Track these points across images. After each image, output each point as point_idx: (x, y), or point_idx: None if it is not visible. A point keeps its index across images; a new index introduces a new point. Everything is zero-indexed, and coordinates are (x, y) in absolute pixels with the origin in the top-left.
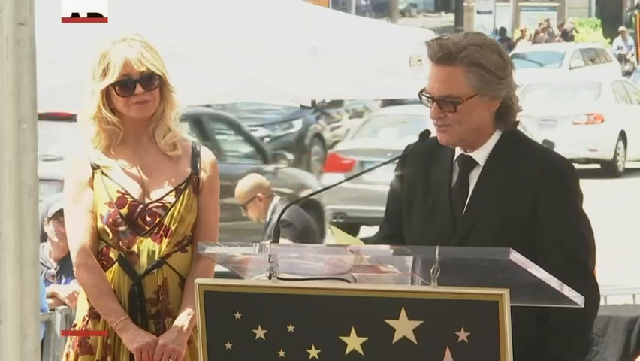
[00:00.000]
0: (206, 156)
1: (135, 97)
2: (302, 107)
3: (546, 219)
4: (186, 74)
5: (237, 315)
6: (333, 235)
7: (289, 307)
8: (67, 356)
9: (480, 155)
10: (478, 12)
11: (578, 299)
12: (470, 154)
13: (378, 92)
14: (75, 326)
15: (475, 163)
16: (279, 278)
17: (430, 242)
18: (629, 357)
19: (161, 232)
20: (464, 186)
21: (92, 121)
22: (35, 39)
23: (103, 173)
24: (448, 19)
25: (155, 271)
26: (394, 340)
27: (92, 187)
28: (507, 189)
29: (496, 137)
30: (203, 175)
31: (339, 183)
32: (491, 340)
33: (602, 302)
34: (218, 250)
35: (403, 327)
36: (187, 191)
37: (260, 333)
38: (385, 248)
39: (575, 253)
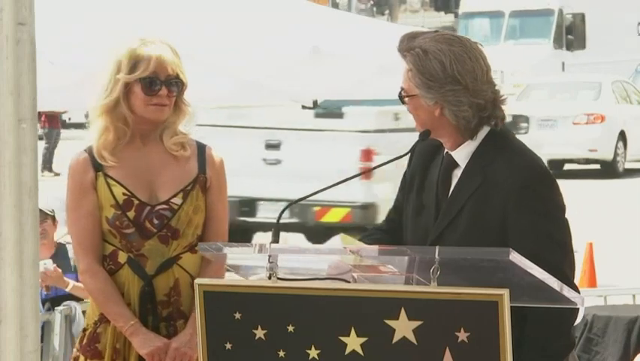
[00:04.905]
0: (213, 154)
1: (157, 98)
2: (303, 107)
3: (515, 227)
4: (186, 74)
5: (237, 315)
6: (342, 241)
7: (289, 308)
8: (76, 359)
9: (460, 155)
10: None
11: (578, 300)
12: (451, 153)
13: (379, 92)
14: (86, 329)
15: (456, 163)
16: (278, 278)
17: (415, 239)
18: (629, 357)
19: (169, 233)
20: (445, 187)
21: (103, 116)
22: (35, 39)
23: (107, 174)
24: (448, 19)
25: (166, 272)
26: (394, 340)
27: (96, 190)
28: (481, 193)
29: (480, 137)
30: (210, 175)
31: (339, 182)
32: (491, 340)
33: (601, 302)
34: (218, 250)
35: (403, 327)
36: (194, 192)
37: (260, 333)
38: (384, 249)
39: (547, 261)
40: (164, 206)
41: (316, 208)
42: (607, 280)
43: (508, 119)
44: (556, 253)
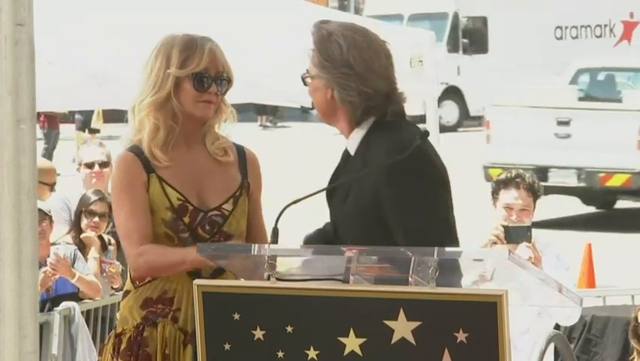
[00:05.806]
0: (252, 157)
1: (206, 95)
2: (302, 108)
3: (389, 204)
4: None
5: (236, 316)
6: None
7: (288, 308)
8: None
9: (350, 143)
10: None
11: (576, 300)
12: (346, 141)
13: None
14: (122, 334)
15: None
16: (277, 279)
17: None
18: (628, 358)
19: (221, 239)
20: (344, 175)
21: (152, 113)
22: (34, 40)
23: (159, 177)
24: None
25: (220, 276)
26: (393, 341)
27: (147, 190)
28: (361, 179)
29: (366, 126)
30: (251, 181)
31: (339, 183)
32: (490, 341)
33: (600, 303)
34: (218, 250)
35: (402, 328)
36: (242, 197)
37: (258, 334)
38: (383, 249)
39: (420, 235)
40: (216, 212)
41: (601, 174)
42: (606, 281)
43: None
44: (439, 228)
